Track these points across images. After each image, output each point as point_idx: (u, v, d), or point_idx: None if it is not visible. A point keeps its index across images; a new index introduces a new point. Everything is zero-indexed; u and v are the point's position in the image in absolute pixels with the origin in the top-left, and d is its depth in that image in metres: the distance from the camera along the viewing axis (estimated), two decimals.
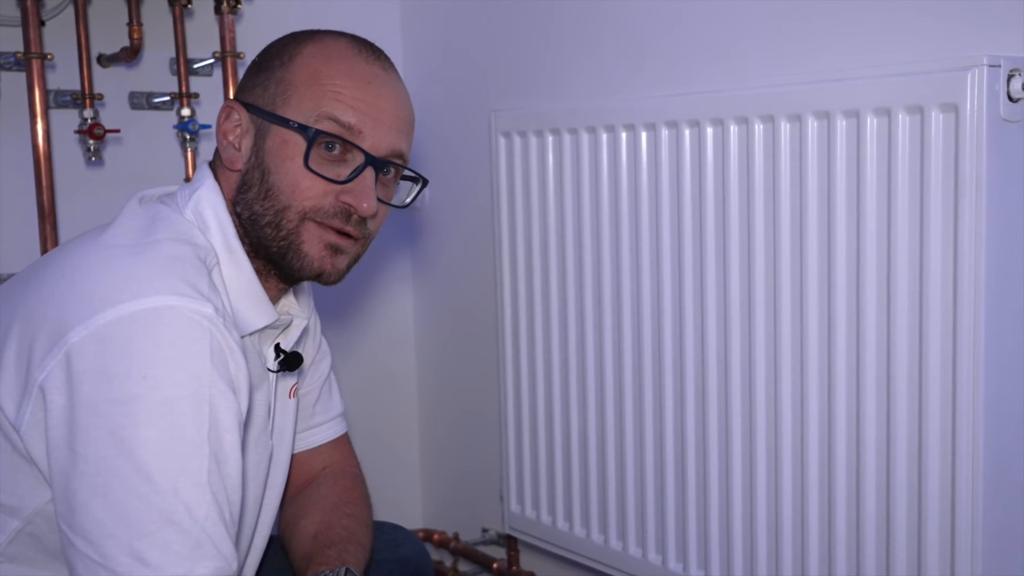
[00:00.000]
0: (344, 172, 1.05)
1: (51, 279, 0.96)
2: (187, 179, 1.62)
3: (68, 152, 1.60)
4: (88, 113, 1.54)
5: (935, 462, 1.09)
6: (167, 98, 1.66)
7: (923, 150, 1.07)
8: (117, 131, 1.57)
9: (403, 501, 2.04)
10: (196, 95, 1.64)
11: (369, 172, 1.05)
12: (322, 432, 1.29)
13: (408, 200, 1.15)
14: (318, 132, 1.03)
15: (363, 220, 1.07)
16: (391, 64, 1.10)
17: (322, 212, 1.05)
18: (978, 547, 1.07)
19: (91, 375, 0.89)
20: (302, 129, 1.03)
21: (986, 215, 1.04)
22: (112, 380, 0.89)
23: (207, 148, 1.70)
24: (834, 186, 1.15)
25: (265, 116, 1.05)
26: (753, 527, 1.28)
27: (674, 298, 1.35)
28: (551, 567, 1.74)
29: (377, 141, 1.05)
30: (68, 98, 1.56)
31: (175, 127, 1.63)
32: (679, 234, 1.33)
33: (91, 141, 1.54)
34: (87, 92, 1.55)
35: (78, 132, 1.55)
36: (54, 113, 1.56)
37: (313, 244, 1.05)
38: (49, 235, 1.52)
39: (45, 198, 1.51)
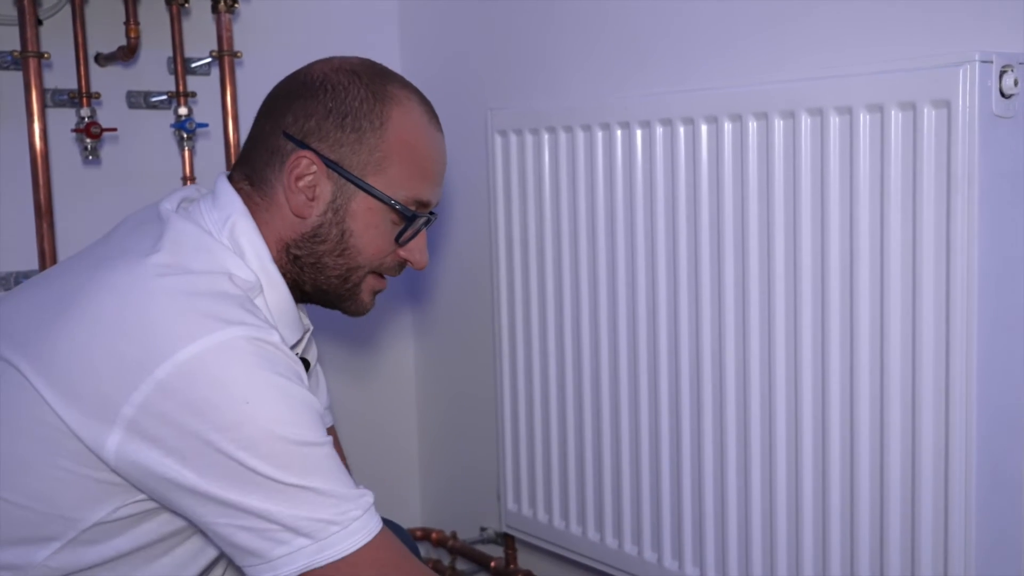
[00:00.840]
0: (409, 233, 1.14)
1: (104, 308, 0.97)
2: (184, 178, 1.63)
3: (65, 151, 1.60)
4: (85, 112, 1.55)
5: (928, 454, 1.09)
6: (164, 97, 1.66)
7: (915, 146, 1.07)
8: (114, 130, 1.58)
9: (402, 500, 2.04)
10: (193, 94, 1.65)
11: (424, 229, 1.16)
12: None
13: None
14: (415, 215, 1.12)
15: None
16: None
17: (385, 267, 1.15)
18: (971, 543, 1.07)
19: (192, 408, 0.94)
20: (401, 209, 1.10)
21: (978, 210, 1.04)
22: (216, 409, 0.94)
23: (204, 146, 1.70)
24: (827, 182, 1.15)
25: (356, 182, 1.09)
26: (748, 525, 1.28)
27: (669, 295, 1.36)
28: (548, 565, 1.74)
29: (436, 203, 1.16)
30: (65, 97, 1.57)
31: (172, 126, 1.63)
32: (674, 232, 1.34)
33: (88, 140, 1.54)
34: (84, 91, 1.55)
35: (75, 131, 1.55)
36: (51, 112, 1.56)
37: (367, 292, 1.17)
38: (46, 234, 1.52)
39: (42, 197, 1.52)
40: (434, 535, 1.93)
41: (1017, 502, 1.11)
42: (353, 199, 1.09)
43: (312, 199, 1.09)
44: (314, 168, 1.08)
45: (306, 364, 1.22)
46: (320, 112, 1.09)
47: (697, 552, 1.35)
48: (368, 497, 1.02)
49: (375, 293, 1.18)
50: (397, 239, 1.12)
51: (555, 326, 1.53)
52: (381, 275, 1.17)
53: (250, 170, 1.12)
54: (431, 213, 1.16)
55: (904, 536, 1.12)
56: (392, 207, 1.10)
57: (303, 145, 1.08)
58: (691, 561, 1.36)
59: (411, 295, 2.02)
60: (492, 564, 1.81)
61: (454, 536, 1.91)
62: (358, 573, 1.00)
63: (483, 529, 1.89)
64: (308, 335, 1.23)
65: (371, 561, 1.01)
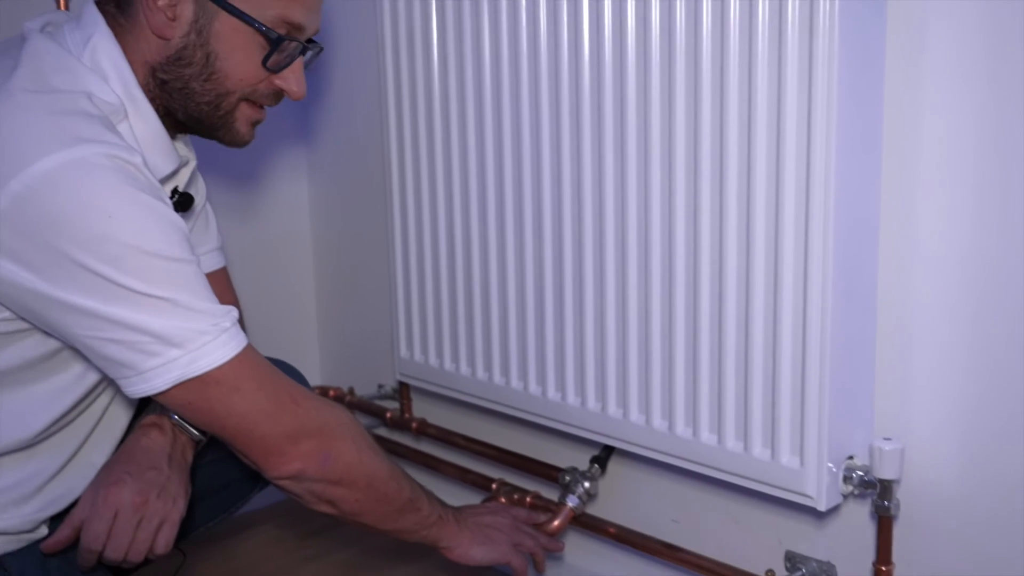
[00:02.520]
0: (278, 58, 1.10)
1: None
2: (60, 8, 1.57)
3: None
4: None
5: (789, 266, 1.14)
6: None
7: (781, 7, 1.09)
8: None
9: (301, 362, 2.05)
10: None
11: (300, 58, 1.13)
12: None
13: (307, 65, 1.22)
14: (281, 38, 1.08)
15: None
16: None
17: (257, 94, 1.12)
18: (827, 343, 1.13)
19: (51, 222, 0.92)
20: (266, 31, 1.07)
21: (839, 47, 1.07)
22: (77, 223, 0.92)
23: None
24: (700, 34, 1.17)
25: (217, 1, 1.06)
26: (624, 356, 1.33)
27: (552, 136, 1.37)
28: (441, 411, 1.79)
29: (312, 30, 1.12)
30: None
31: None
32: (556, 76, 1.34)
33: None
34: None
35: None
36: None
37: (243, 122, 1.14)
38: None
39: None
40: (331, 392, 1.95)
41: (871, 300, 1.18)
42: (216, 19, 1.07)
43: (173, 19, 1.06)
44: None
45: (190, 200, 1.20)
46: None
47: (578, 384, 1.40)
48: (235, 313, 1.03)
49: (253, 124, 1.16)
50: (265, 64, 1.09)
51: (444, 170, 1.54)
52: (259, 105, 1.15)
53: None
54: (310, 42, 1.14)
55: (767, 341, 1.18)
56: (257, 29, 1.07)
57: None
58: (573, 392, 1.41)
59: (308, 155, 2.00)
60: (388, 415, 1.85)
61: (351, 392, 1.94)
62: (235, 377, 1.02)
63: (380, 386, 1.92)
64: (191, 170, 1.22)
65: (245, 370, 1.02)
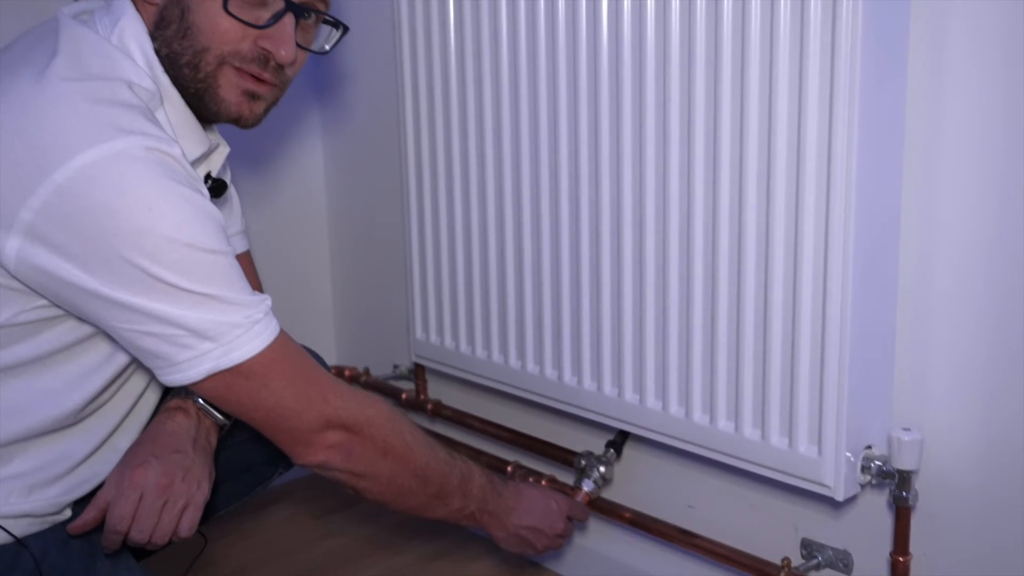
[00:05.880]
0: (264, 16, 1.07)
1: (2, 116, 0.96)
2: None
3: None
4: None
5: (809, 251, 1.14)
6: None
7: None
8: None
9: (317, 343, 2.05)
10: None
11: (289, 18, 1.08)
12: None
13: (328, 47, 1.17)
14: None
15: (280, 66, 1.09)
16: None
17: (240, 57, 1.07)
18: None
19: (93, 214, 0.93)
20: None
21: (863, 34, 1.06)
22: (118, 215, 0.93)
23: None
24: (720, 20, 1.16)
25: None
26: (642, 341, 1.33)
27: (570, 122, 1.36)
28: (457, 393, 1.79)
29: None
30: None
31: None
32: (574, 56, 1.33)
33: None
34: None
35: None
36: None
37: (229, 90, 1.09)
38: None
39: None
40: (347, 372, 1.96)
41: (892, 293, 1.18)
42: None
43: None
44: None
45: (224, 186, 1.21)
46: None
47: (595, 368, 1.40)
48: (268, 301, 1.04)
49: (247, 95, 1.10)
50: (226, 7, 1.05)
51: (460, 152, 1.54)
52: (249, 74, 1.09)
53: None
54: (306, 8, 1.10)
55: (785, 329, 1.18)
56: None
57: None
58: (589, 376, 1.41)
59: (322, 135, 2.00)
60: (403, 396, 1.86)
61: (367, 372, 1.94)
62: (264, 373, 1.03)
63: (396, 367, 1.93)
64: (223, 156, 1.20)
65: (276, 364, 1.04)
